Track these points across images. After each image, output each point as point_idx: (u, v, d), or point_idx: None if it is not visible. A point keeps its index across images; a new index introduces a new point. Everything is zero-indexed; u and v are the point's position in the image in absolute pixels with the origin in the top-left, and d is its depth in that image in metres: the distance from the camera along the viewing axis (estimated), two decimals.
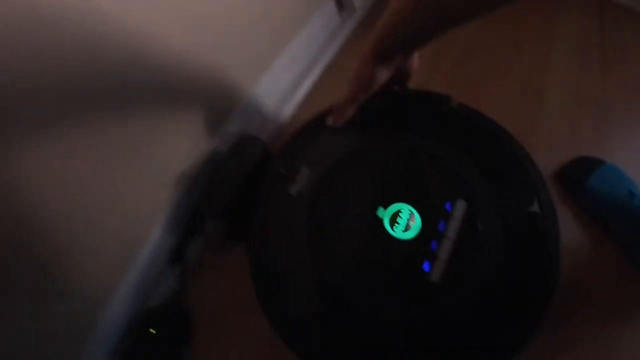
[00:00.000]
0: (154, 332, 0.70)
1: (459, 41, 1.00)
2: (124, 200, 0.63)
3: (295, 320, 0.56)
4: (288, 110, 0.93)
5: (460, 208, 0.55)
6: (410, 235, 0.54)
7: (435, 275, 0.52)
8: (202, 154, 0.75)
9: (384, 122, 0.63)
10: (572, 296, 0.68)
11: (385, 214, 0.56)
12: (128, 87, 0.58)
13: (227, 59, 0.74)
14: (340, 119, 0.54)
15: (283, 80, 0.91)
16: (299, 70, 0.96)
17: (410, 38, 0.43)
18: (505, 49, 0.95)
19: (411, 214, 0.55)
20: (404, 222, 0.55)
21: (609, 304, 0.68)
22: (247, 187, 0.68)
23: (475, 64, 0.94)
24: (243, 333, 0.72)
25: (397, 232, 0.54)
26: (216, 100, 0.75)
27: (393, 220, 0.55)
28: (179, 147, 0.71)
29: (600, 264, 0.70)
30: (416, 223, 0.55)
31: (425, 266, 0.53)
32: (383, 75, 0.48)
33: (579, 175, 0.73)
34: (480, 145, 0.60)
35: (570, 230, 0.73)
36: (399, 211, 0.56)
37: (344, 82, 0.57)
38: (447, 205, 0.55)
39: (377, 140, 0.62)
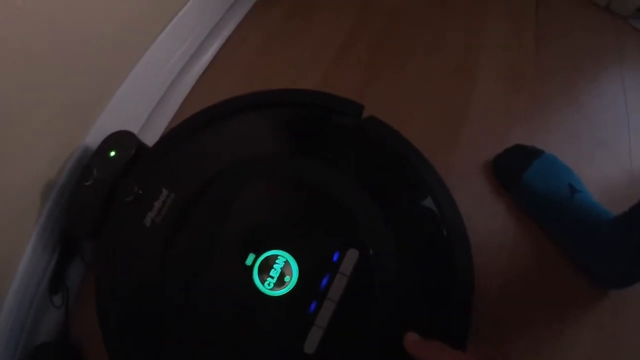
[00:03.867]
0: None
1: (383, 11, 0.85)
2: None
3: None
4: (179, 93, 0.75)
5: (350, 260, 0.43)
6: (283, 291, 0.43)
7: (310, 345, 0.41)
8: (70, 156, 0.58)
9: (275, 137, 0.49)
10: (506, 303, 0.61)
11: (256, 263, 0.43)
12: None
13: (92, 29, 0.55)
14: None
15: (171, 59, 0.72)
16: (192, 45, 0.77)
17: None
18: (433, 21, 0.84)
19: (287, 264, 0.43)
20: (278, 274, 0.43)
21: (548, 308, 0.62)
22: None
23: (400, 38, 0.82)
24: None
25: (268, 288, 0.43)
26: (85, 87, 0.57)
27: (265, 271, 0.43)
28: (40, 152, 0.54)
29: (539, 265, 0.64)
30: (293, 277, 0.43)
31: (299, 333, 0.42)
32: None
33: (514, 168, 0.65)
34: (385, 173, 0.48)
35: (503, 226, 0.65)
36: (274, 260, 0.43)
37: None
38: (335, 256, 0.43)
39: (260, 163, 0.48)
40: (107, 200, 0.50)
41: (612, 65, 0.79)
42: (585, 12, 0.84)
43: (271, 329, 0.43)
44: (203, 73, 0.78)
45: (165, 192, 0.47)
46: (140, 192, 0.47)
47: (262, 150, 0.49)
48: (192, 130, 0.50)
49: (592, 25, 0.82)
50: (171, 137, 0.51)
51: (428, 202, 0.47)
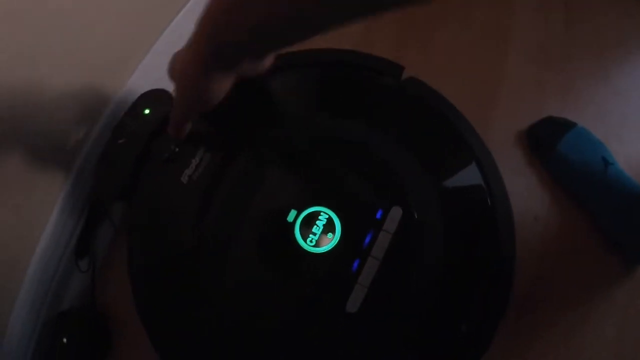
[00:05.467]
0: (66, 340, 0.56)
1: None
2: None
3: (178, 341, 0.44)
4: None
5: (394, 218, 0.42)
6: (325, 249, 0.42)
7: (353, 304, 0.40)
8: (100, 116, 0.57)
9: (314, 95, 0.48)
10: (540, 278, 0.61)
11: (298, 219, 0.42)
12: None
13: None
14: (179, 134, 0.37)
15: None
16: None
17: (267, 30, 0.25)
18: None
19: (330, 221, 0.42)
20: (320, 231, 0.42)
21: (581, 283, 0.62)
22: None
23: (429, 8, 0.80)
24: None
25: (311, 245, 0.42)
26: (118, 43, 0.56)
27: (307, 227, 0.42)
28: (69, 110, 0.53)
29: (571, 237, 0.64)
30: (336, 234, 0.42)
31: (341, 292, 0.41)
32: (223, 86, 0.31)
33: (548, 139, 0.65)
34: (428, 133, 0.47)
35: (538, 199, 0.65)
36: (316, 217, 0.42)
37: None
38: (378, 214, 0.42)
39: (300, 121, 0.47)
40: (141, 159, 0.49)
41: None
42: None
43: (313, 287, 0.42)
44: None
45: (202, 149, 0.46)
46: (177, 149, 0.46)
47: (302, 109, 0.48)
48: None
49: (623, 4, 0.81)
50: None
51: (471, 165, 0.46)
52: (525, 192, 0.63)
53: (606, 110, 0.70)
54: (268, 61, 0.35)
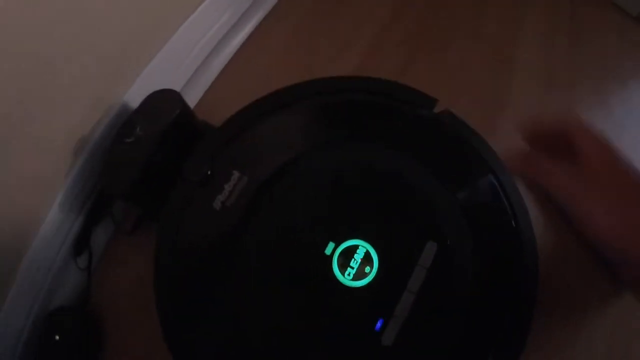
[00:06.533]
0: (58, 338, 0.55)
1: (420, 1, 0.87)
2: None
3: None
4: (218, 63, 0.73)
5: (429, 252, 0.43)
6: (363, 282, 0.42)
7: (388, 337, 0.41)
8: (107, 113, 0.56)
9: (351, 123, 0.48)
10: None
11: (335, 253, 0.42)
12: None
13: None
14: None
15: (212, 26, 0.70)
16: (235, 13, 0.74)
17: None
18: (471, 12, 0.86)
19: (368, 255, 0.43)
20: (358, 264, 0.42)
21: (572, 301, 0.64)
22: (162, 154, 0.51)
23: (439, 25, 0.83)
24: (160, 338, 0.58)
25: (348, 278, 0.42)
26: (126, 45, 0.54)
27: (345, 261, 0.43)
28: (76, 104, 0.51)
29: (564, 256, 0.65)
30: (373, 267, 0.42)
31: (378, 325, 0.41)
32: None
33: None
34: (463, 168, 0.48)
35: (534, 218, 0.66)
36: (354, 250, 0.43)
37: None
38: (415, 248, 0.43)
39: (339, 150, 0.47)
40: (148, 161, 0.48)
41: None
42: (616, 21, 0.87)
43: (350, 319, 0.42)
44: (243, 44, 0.77)
45: (236, 174, 0.45)
46: (209, 172, 0.45)
47: (334, 137, 0.48)
48: (260, 113, 0.49)
49: (623, 33, 0.85)
50: (239, 118, 0.49)
51: (500, 199, 0.47)
52: None
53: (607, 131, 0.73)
54: None
